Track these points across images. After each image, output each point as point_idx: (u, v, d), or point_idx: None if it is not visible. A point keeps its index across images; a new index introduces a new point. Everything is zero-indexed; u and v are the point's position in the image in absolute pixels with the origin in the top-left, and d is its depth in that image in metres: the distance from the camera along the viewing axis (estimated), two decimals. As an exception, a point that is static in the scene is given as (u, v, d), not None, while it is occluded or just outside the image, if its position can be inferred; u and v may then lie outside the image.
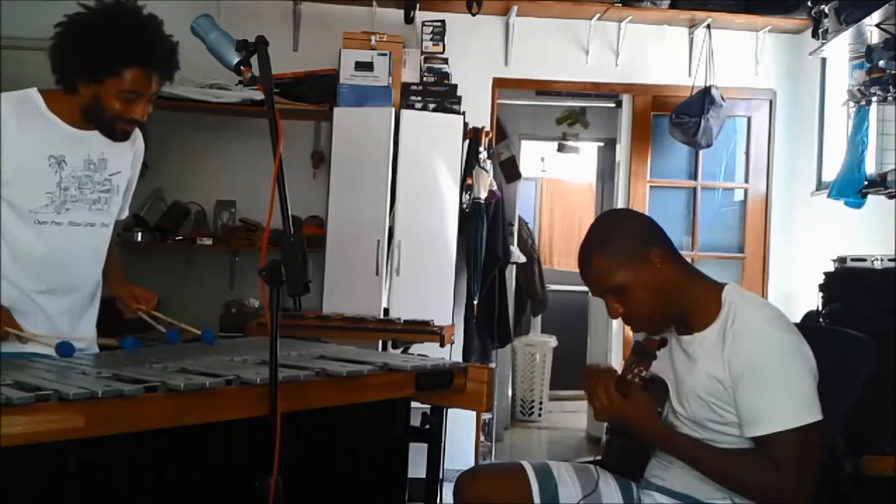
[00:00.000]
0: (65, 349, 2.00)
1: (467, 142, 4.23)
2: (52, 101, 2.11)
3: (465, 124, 4.22)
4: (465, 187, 4.18)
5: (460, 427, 4.01)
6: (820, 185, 4.44)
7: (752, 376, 1.74)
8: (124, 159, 2.26)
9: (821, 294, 3.30)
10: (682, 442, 1.85)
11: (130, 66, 2.03)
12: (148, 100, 2.10)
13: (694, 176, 4.91)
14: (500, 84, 4.67)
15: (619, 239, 1.88)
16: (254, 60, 1.73)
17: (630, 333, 2.94)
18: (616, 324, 4.97)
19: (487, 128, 4.40)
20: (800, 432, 1.71)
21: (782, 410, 1.72)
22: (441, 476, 2.26)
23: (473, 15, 4.39)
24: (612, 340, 4.94)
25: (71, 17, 2.07)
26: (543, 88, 5.20)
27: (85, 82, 2.05)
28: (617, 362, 4.87)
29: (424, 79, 4.23)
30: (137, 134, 2.27)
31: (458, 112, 4.16)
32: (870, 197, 3.56)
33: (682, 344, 1.90)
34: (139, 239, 4.14)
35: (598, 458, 2.08)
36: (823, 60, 4.42)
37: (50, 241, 2.12)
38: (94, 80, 2.04)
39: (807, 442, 1.72)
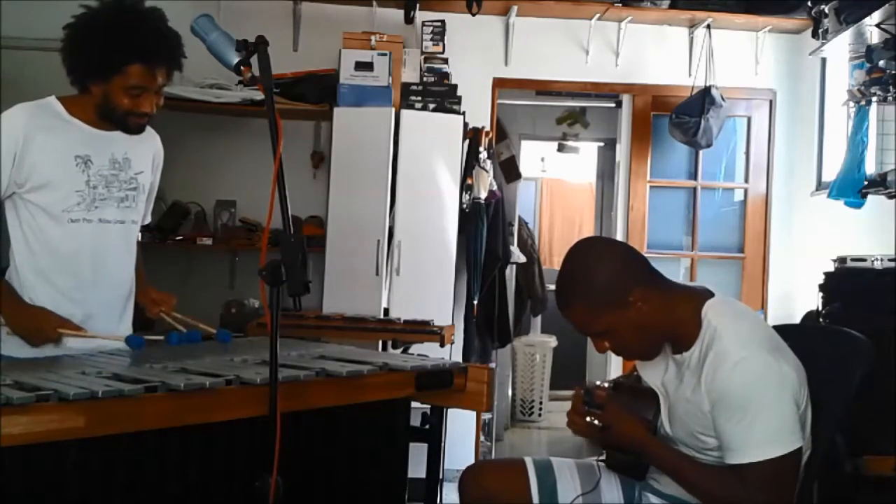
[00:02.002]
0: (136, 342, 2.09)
1: (467, 142, 4.22)
2: (71, 106, 2.18)
3: (465, 124, 4.21)
4: (465, 187, 4.18)
5: (460, 427, 4.01)
6: (820, 185, 4.44)
7: (726, 406, 1.72)
8: (146, 161, 2.33)
9: (821, 294, 3.30)
10: (661, 451, 1.84)
11: (132, 63, 2.07)
12: (155, 92, 2.15)
13: (694, 176, 4.91)
14: (500, 84, 4.67)
15: (598, 284, 1.81)
16: (254, 60, 1.73)
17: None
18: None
19: (487, 128, 4.40)
20: (775, 462, 1.69)
21: (756, 442, 1.70)
22: (441, 476, 2.26)
23: (473, 15, 4.39)
24: (612, 340, 4.92)
25: (75, 19, 2.12)
26: (543, 88, 5.19)
27: (93, 81, 2.11)
28: (615, 364, 4.87)
29: (424, 79, 4.23)
30: (154, 135, 2.36)
31: (458, 112, 4.16)
32: (870, 197, 3.56)
33: (675, 362, 1.89)
34: (139, 239, 4.12)
35: (602, 458, 2.08)
36: (823, 60, 4.42)
37: (83, 238, 2.17)
38: (101, 78, 2.10)
39: (782, 470, 1.70)
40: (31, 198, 2.12)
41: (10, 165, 2.07)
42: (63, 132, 2.14)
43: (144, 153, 2.31)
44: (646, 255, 2.40)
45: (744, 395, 1.71)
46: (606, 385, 1.94)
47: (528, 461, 2.04)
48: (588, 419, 1.86)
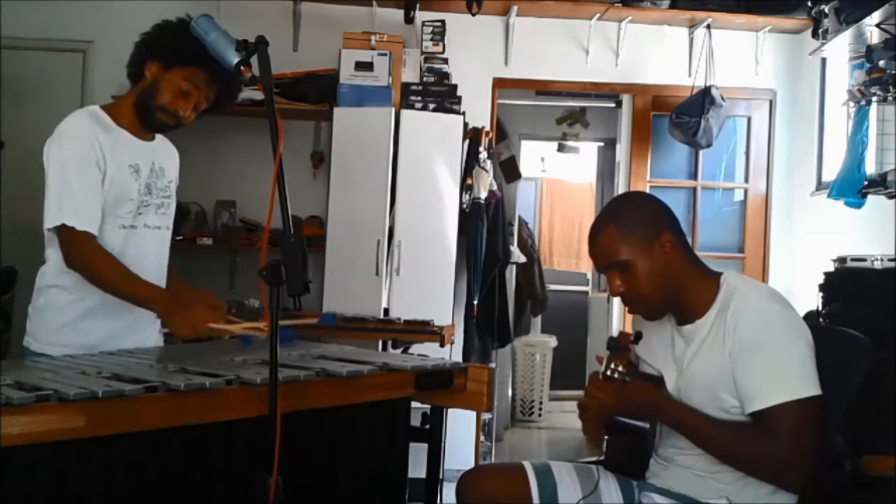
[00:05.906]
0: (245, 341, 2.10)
1: (467, 142, 4.23)
2: (113, 115, 2.22)
3: (465, 124, 4.22)
4: (465, 187, 4.18)
5: (460, 427, 4.00)
6: (820, 185, 4.44)
7: (751, 351, 1.75)
8: (174, 172, 2.41)
9: (821, 294, 3.30)
10: (682, 411, 1.84)
11: (200, 66, 2.12)
12: (195, 104, 2.20)
13: (694, 176, 4.91)
14: (500, 84, 4.68)
15: (634, 216, 1.89)
16: (254, 60, 1.74)
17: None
18: (616, 323, 4.97)
19: (487, 128, 4.40)
20: (799, 405, 1.71)
21: (781, 384, 1.73)
22: (441, 476, 2.26)
23: (473, 15, 4.39)
24: (612, 340, 4.92)
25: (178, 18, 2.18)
26: (543, 88, 5.21)
27: (154, 61, 2.16)
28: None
29: (424, 79, 4.23)
30: (174, 149, 2.43)
31: (458, 112, 4.16)
32: (870, 197, 3.56)
33: (682, 333, 1.90)
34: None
35: (601, 458, 2.08)
36: (823, 60, 4.42)
37: (131, 242, 2.23)
38: (165, 63, 2.15)
39: (805, 415, 1.72)
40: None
41: (102, 167, 2.12)
42: (118, 141, 2.19)
43: (172, 165, 2.41)
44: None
45: (767, 339, 1.75)
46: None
47: (527, 465, 2.03)
48: (611, 367, 1.83)
